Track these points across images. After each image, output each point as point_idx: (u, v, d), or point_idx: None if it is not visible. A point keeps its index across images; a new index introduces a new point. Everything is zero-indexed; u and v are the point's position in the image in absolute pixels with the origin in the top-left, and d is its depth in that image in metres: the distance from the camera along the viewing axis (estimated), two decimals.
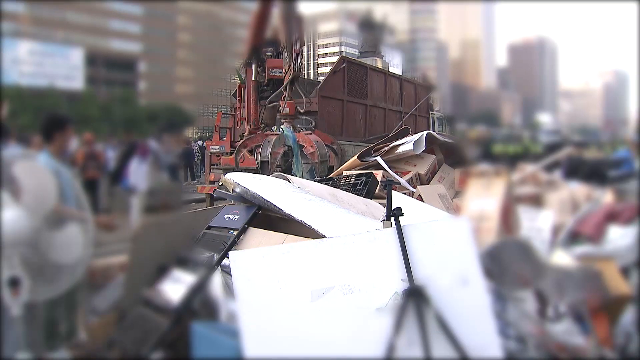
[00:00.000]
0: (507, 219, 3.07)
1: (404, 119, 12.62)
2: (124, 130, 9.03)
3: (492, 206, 3.02)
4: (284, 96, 8.99)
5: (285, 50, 9.05)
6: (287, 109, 8.97)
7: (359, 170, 5.98)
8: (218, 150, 10.37)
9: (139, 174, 7.34)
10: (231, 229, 3.62)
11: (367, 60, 18.76)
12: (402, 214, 2.36)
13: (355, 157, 6.45)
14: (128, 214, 5.34)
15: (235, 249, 3.23)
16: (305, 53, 9.10)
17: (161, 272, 3.15)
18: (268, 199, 3.49)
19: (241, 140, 9.32)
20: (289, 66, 8.97)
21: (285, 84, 9.02)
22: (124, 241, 3.57)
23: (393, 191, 2.67)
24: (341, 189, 4.63)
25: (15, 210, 2.74)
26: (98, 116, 10.53)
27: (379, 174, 5.49)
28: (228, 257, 2.96)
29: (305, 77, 10.24)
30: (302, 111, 9.11)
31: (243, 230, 3.51)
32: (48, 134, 3.66)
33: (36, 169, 2.89)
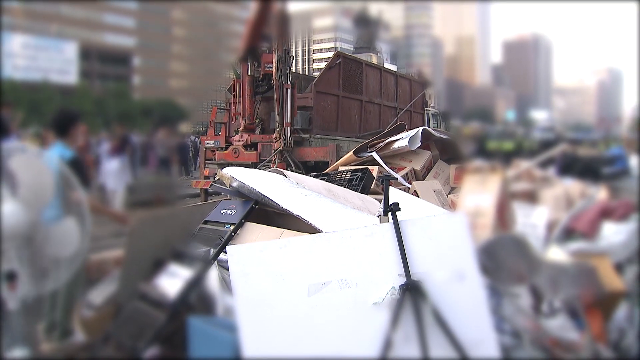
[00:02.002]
0: (503, 215, 3.09)
1: (399, 115, 12.62)
2: (118, 124, 9.00)
3: (487, 202, 3.04)
4: (274, 160, 9.14)
5: (277, 121, 9.19)
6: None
7: (354, 165, 5.99)
8: (213, 145, 10.38)
9: (106, 172, 7.34)
10: (228, 223, 3.63)
11: (362, 56, 18.72)
12: (399, 209, 2.37)
13: (351, 152, 6.46)
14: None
15: (232, 244, 3.24)
16: (294, 123, 9.25)
17: (157, 266, 3.15)
18: (265, 194, 3.50)
19: None
20: (279, 135, 9.09)
21: (274, 152, 9.17)
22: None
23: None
24: (337, 184, 4.65)
25: (12, 204, 2.73)
26: (92, 110, 10.49)
27: (374, 170, 5.50)
28: (225, 252, 2.97)
29: (300, 72, 10.23)
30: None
31: (240, 225, 3.52)
32: (64, 129, 3.74)
33: (33, 162, 2.88)
